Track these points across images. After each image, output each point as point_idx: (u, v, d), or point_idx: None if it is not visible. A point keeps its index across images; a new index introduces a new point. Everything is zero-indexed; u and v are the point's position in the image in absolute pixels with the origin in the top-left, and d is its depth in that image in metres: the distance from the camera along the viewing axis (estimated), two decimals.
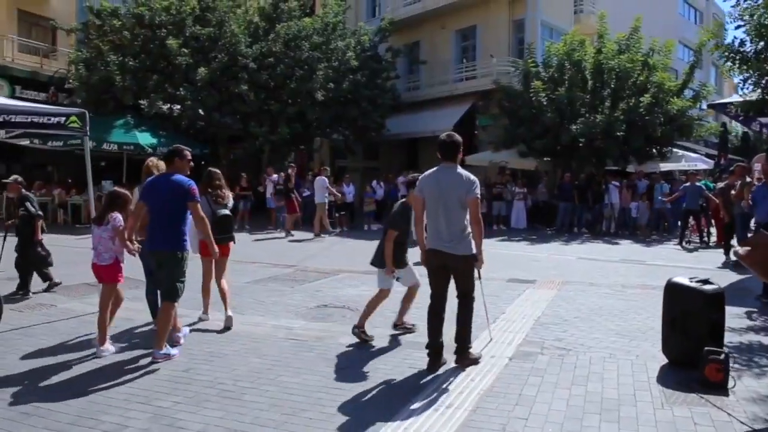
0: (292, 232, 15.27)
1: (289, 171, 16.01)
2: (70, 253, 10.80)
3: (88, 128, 7.12)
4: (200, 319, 6.43)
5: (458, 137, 4.81)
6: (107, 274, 5.31)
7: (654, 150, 17.60)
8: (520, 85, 18.48)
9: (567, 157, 17.80)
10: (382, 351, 5.37)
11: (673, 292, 5.02)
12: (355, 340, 5.63)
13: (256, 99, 18.72)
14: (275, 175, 16.96)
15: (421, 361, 4.92)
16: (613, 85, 17.12)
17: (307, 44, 19.41)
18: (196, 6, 18.81)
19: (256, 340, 5.69)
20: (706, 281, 4.93)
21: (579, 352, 5.28)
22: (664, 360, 4.98)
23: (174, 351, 5.13)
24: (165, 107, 18.33)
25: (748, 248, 4.42)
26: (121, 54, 18.12)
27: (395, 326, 5.99)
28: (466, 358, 4.81)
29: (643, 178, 16.97)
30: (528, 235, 15.61)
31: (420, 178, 4.86)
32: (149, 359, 5.00)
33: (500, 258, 11.31)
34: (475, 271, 4.80)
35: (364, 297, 7.42)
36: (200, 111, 18.54)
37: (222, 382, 4.52)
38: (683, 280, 5.01)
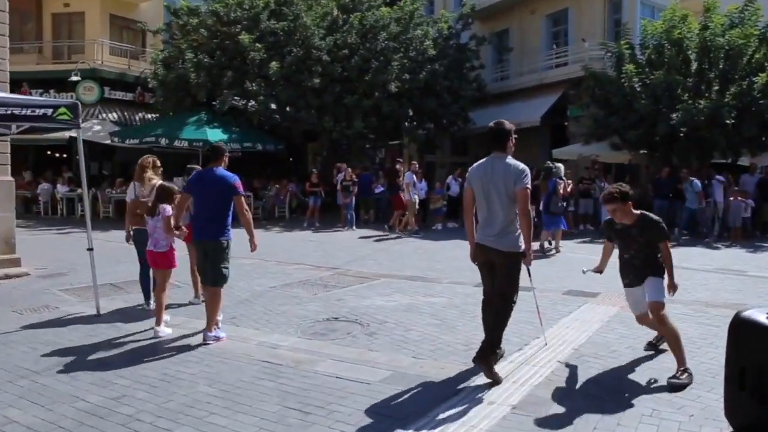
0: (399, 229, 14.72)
1: (397, 166, 15.46)
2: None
3: (80, 120, 6.71)
4: (191, 303, 6.88)
5: (508, 125, 4.55)
6: (162, 260, 5.93)
7: None
8: (613, 70, 16.54)
9: (666, 149, 15.71)
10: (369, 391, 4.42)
11: (743, 332, 3.49)
12: (333, 368, 4.74)
13: (330, 93, 18.25)
14: (342, 172, 16.31)
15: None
16: (721, 66, 14.82)
17: (384, 34, 18.64)
18: (271, 1, 18.60)
19: (226, 361, 4.96)
20: None
21: (615, 402, 4.03)
22: (728, 427, 3.59)
23: (222, 334, 5.56)
24: (239, 103, 18.31)
25: None
26: (198, 52, 18.29)
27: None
28: (489, 359, 4.41)
29: (756, 172, 14.59)
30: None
31: (470, 169, 4.65)
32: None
33: (570, 263, 9.91)
34: (524, 269, 4.55)
35: (386, 309, 6.58)
36: (273, 106, 18.35)
37: (140, 419, 3.78)
38: (761, 315, 3.46)
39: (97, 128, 19.16)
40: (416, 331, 5.81)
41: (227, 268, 5.56)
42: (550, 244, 11.95)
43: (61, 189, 18.52)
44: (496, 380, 4.33)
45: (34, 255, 10.04)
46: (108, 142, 18.26)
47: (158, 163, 6.79)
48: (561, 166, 13.24)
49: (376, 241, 13.39)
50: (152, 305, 6.34)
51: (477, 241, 4.55)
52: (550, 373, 4.59)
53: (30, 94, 20.08)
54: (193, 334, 5.69)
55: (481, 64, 20.96)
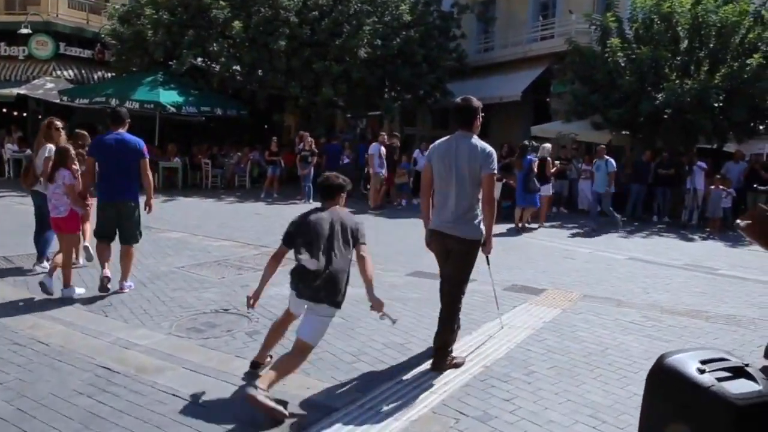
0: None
1: (394, 141, 14.65)
2: None
3: None
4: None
5: (476, 102, 4.17)
6: (65, 224, 5.83)
7: (761, 126, 14.07)
8: (598, 44, 15.43)
9: (649, 131, 14.72)
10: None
11: (665, 386, 2.51)
12: (179, 380, 3.82)
13: (298, 57, 17.09)
14: (305, 142, 15.20)
15: None
16: (712, 45, 13.76)
17: None
18: None
19: (57, 364, 4.05)
20: (739, 371, 2.41)
21: None
22: None
23: (132, 284, 6.00)
24: (201, 64, 17.15)
25: (749, 221, 4.49)
26: (158, 8, 17.04)
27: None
28: (444, 362, 4.12)
29: (742, 160, 13.65)
30: (587, 223, 12.92)
31: (431, 146, 4.32)
32: None
33: (525, 251, 8.99)
34: (484, 257, 4.27)
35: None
36: (236, 68, 17.19)
37: None
38: (691, 363, 2.41)
39: (50, 86, 17.96)
40: None
41: (139, 227, 5.96)
42: (529, 223, 11.56)
43: (9, 149, 17.39)
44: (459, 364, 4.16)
45: None
46: (57, 101, 17.07)
47: (57, 125, 6.49)
48: (548, 145, 12.31)
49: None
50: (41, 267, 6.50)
51: (432, 226, 4.20)
52: (439, 403, 3.66)
53: None
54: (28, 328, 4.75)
55: (462, 34, 19.77)
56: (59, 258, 5.80)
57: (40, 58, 18.61)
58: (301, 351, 3.62)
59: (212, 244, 8.72)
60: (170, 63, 16.81)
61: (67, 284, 5.71)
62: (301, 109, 18.03)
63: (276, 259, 3.95)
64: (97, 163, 5.78)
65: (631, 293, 6.57)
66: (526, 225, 11.50)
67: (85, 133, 7.29)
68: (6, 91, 17.38)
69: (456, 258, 4.11)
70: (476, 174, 4.00)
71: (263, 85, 17.59)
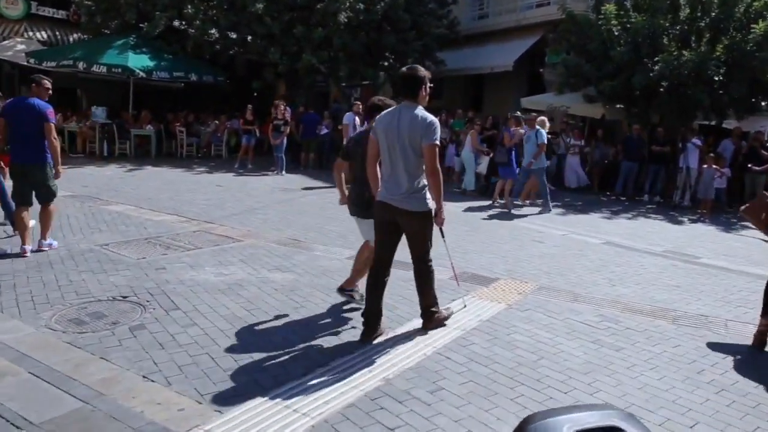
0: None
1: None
2: None
3: None
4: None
5: (422, 71, 4.07)
6: None
7: (763, 102, 13.17)
8: (593, 11, 14.46)
9: (644, 105, 13.83)
10: None
11: None
12: (9, 390, 3.18)
13: (279, 22, 16.20)
14: (278, 111, 14.39)
15: None
16: (714, 14, 12.79)
17: None
18: None
19: None
20: None
21: None
22: None
23: (55, 243, 6.26)
24: (178, 26, 16.30)
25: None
26: None
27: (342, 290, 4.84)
28: (431, 320, 4.37)
29: (740, 138, 12.81)
30: (572, 201, 12.19)
31: (377, 117, 4.17)
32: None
33: (491, 233, 8.29)
34: (437, 229, 4.23)
35: (203, 286, 5.11)
36: (213, 32, 16.33)
37: None
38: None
39: (20, 47, 17.15)
40: (201, 327, 4.24)
41: (53, 185, 6.12)
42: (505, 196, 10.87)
43: None
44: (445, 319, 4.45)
45: None
46: (25, 63, 16.28)
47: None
48: (544, 118, 11.49)
49: (292, 190, 11.63)
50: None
51: (380, 198, 4.10)
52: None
53: None
54: None
55: (454, 0, 18.76)
56: None
57: (11, 18, 17.79)
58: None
59: (153, 218, 8.07)
60: (141, 26, 15.93)
61: None
62: (281, 75, 17.16)
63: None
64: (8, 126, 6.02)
65: (594, 285, 5.88)
66: (499, 201, 10.92)
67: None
68: None
69: (412, 232, 4.13)
70: (418, 145, 3.91)
71: (241, 49, 16.74)
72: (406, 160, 3.95)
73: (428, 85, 4.06)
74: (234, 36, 16.57)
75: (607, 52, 13.39)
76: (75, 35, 18.90)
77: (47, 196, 6.10)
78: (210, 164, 15.23)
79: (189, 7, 15.64)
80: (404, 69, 4.14)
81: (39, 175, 5.99)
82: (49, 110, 5.99)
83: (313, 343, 4.08)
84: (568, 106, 15.05)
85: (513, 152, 10.92)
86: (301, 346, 4.01)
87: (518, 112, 12.37)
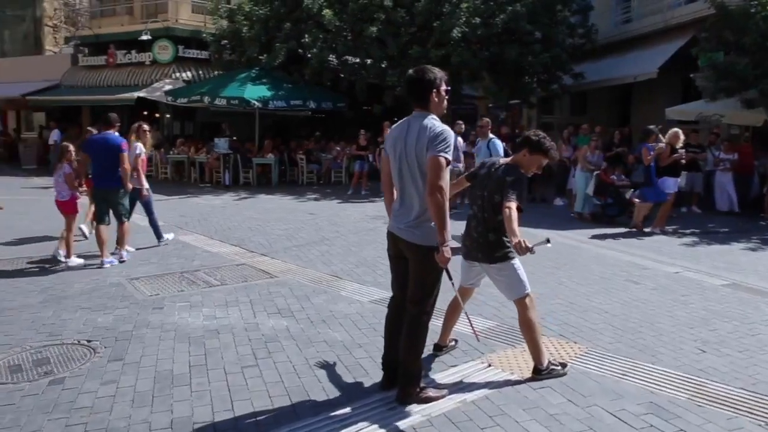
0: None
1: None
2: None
3: None
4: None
5: (431, 73, 3.35)
6: (65, 207, 7.03)
7: None
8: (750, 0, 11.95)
9: None
10: None
11: None
12: None
13: (395, 43, 15.84)
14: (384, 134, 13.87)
15: None
16: None
17: None
18: None
19: None
20: None
21: None
22: None
23: (115, 261, 6.96)
24: (301, 52, 16.64)
25: None
26: (255, 3, 16.88)
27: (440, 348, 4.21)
28: (408, 395, 3.40)
29: None
30: (716, 227, 9.94)
31: (389, 130, 3.68)
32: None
33: (575, 270, 6.78)
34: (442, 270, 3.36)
35: (182, 331, 4.60)
36: (331, 59, 16.41)
37: None
38: None
39: (167, 88, 18.72)
40: (120, 384, 3.63)
41: (125, 206, 7.12)
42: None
43: None
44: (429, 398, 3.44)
45: None
46: (164, 101, 17.71)
47: (145, 127, 8.03)
48: (677, 130, 9.85)
49: (381, 218, 10.87)
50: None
51: (388, 227, 3.54)
52: None
53: (115, 55, 20.36)
54: None
55: (587, 5, 16.92)
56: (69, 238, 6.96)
57: (163, 62, 19.51)
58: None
59: (211, 250, 7.84)
60: (259, 58, 16.49)
61: (68, 255, 6.90)
62: (398, 98, 16.68)
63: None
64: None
65: (674, 350, 4.32)
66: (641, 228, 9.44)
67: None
68: (127, 95, 18.44)
69: (412, 269, 3.39)
70: (423, 160, 3.23)
71: (358, 74, 16.60)
72: (414, 180, 3.31)
73: (444, 88, 3.39)
74: (351, 61, 16.48)
75: (765, 46, 10.92)
76: (215, 73, 20.27)
77: (120, 216, 7.07)
78: (326, 191, 15.13)
79: (305, 36, 15.84)
80: (411, 71, 3.50)
81: (114, 198, 6.98)
82: (123, 143, 7.03)
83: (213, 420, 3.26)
84: (722, 114, 12.57)
85: (653, 170, 9.34)
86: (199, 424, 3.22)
87: (653, 126, 10.53)
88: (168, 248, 7.93)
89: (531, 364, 3.83)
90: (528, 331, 3.76)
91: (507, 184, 3.69)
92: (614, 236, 9.15)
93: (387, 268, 6.54)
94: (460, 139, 11.70)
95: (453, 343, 4.26)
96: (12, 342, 4.43)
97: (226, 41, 18.01)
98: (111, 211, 7.06)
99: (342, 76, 16.90)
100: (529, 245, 3.43)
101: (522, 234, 3.53)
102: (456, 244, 3.62)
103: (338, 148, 17.32)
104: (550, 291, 5.91)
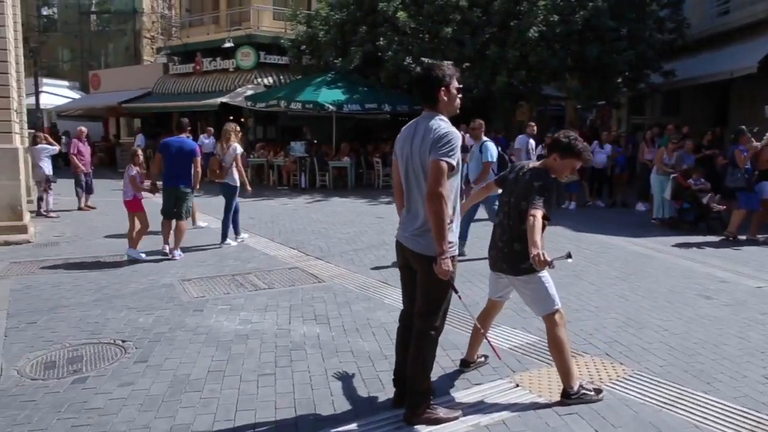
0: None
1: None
2: None
3: None
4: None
5: (440, 69, 3.12)
6: (131, 205, 7.63)
7: None
8: None
9: None
10: None
11: None
12: None
13: (472, 44, 15.51)
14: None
15: None
16: None
17: None
18: None
19: None
20: None
21: None
22: None
23: (182, 254, 7.60)
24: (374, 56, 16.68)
25: None
26: (331, 8, 17.09)
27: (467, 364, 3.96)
28: (416, 415, 3.19)
29: None
30: None
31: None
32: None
33: (641, 281, 6.22)
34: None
35: (212, 334, 4.65)
36: (408, 61, 16.29)
37: None
38: None
39: (249, 93, 19.33)
40: (135, 387, 3.66)
41: (188, 206, 7.68)
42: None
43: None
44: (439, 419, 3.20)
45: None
46: (244, 106, 18.29)
47: (238, 128, 8.71)
48: (743, 127, 9.12)
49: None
50: (235, 240, 8.47)
51: (396, 236, 3.35)
52: None
53: (202, 63, 21.31)
54: None
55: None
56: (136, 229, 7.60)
57: (245, 68, 20.20)
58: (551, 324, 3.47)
59: (269, 253, 7.93)
60: (335, 62, 16.65)
61: (133, 246, 7.52)
62: (476, 100, 16.28)
63: None
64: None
65: (734, 378, 3.81)
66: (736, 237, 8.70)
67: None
68: (212, 101, 19.23)
69: (418, 281, 3.19)
70: (426, 164, 3.03)
71: None
72: (419, 185, 3.13)
73: (455, 86, 3.15)
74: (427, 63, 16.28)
75: None
76: (294, 77, 20.71)
77: (181, 215, 7.56)
78: None
79: (380, 39, 15.83)
80: (419, 68, 3.16)
81: (182, 197, 7.52)
82: (196, 147, 7.68)
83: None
84: None
85: (749, 174, 8.60)
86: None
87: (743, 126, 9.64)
88: (229, 250, 8.10)
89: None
90: (557, 350, 3.43)
91: (534, 189, 3.38)
92: (699, 245, 8.41)
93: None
94: (531, 141, 11.25)
95: (482, 359, 3.98)
96: (55, 339, 4.61)
97: (304, 46, 18.40)
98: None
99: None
100: (549, 259, 3.11)
101: (545, 245, 3.22)
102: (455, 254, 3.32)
103: None
104: (606, 305, 5.45)
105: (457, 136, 3.00)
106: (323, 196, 14.52)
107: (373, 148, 17.74)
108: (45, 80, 28.55)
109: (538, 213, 3.27)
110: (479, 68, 15.61)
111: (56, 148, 11.65)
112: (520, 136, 11.56)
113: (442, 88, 3.09)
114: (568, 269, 6.81)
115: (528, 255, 3.42)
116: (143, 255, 7.46)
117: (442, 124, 3.05)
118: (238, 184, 8.31)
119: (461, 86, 3.20)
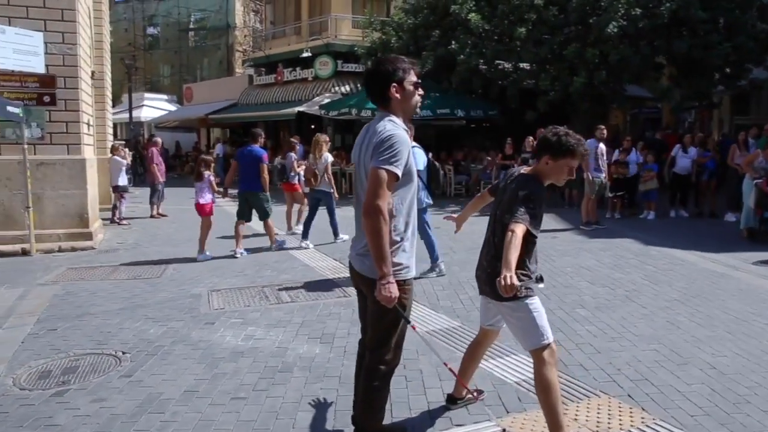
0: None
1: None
2: None
3: None
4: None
5: (389, 64, 2.73)
6: (202, 209, 8.16)
7: None
8: None
9: None
10: None
11: None
12: None
13: (547, 44, 14.77)
14: (526, 143, 12.96)
15: None
16: None
17: None
18: None
19: None
20: None
21: None
22: None
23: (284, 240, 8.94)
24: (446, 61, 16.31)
25: None
26: (405, 12, 16.91)
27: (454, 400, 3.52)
28: None
29: None
30: None
31: None
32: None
33: (703, 307, 5.43)
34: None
35: (212, 349, 4.44)
36: (480, 64, 15.76)
37: None
38: None
39: (325, 101, 19.54)
40: (107, 405, 3.55)
41: (267, 206, 8.26)
42: None
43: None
44: None
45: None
46: (318, 114, 18.46)
47: (328, 139, 9.38)
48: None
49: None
50: (307, 244, 8.87)
51: (349, 255, 3.01)
52: None
53: (283, 73, 21.81)
54: None
55: None
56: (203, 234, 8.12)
57: (323, 77, 20.44)
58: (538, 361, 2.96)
59: (309, 263, 7.79)
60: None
61: (201, 251, 8.06)
62: (554, 104, 15.44)
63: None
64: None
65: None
66: None
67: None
68: (290, 110, 19.60)
69: (368, 307, 2.82)
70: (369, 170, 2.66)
71: (510, 79, 15.72)
72: (363, 194, 2.75)
73: (411, 80, 2.72)
74: (501, 65, 15.67)
75: None
76: None
77: (264, 215, 8.28)
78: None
79: (452, 42, 15.42)
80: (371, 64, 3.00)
81: (256, 200, 8.19)
82: (264, 155, 8.22)
83: None
84: None
85: None
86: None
87: None
88: (270, 258, 8.06)
89: None
90: (543, 393, 2.93)
91: (518, 200, 2.92)
92: None
93: (474, 295, 5.90)
94: (601, 145, 10.40)
95: (473, 395, 3.52)
96: (63, 348, 4.65)
97: (378, 53, 18.32)
98: (251, 211, 8.35)
99: (491, 82, 16.13)
100: (517, 284, 2.65)
101: (520, 267, 2.76)
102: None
103: (488, 158, 16.57)
104: (651, 333, 4.77)
105: (402, 140, 2.59)
106: None
107: (446, 155, 17.31)
108: (146, 94, 30.58)
109: (519, 228, 2.80)
110: (556, 69, 14.81)
111: (125, 162, 12.20)
112: (588, 140, 10.69)
113: (393, 85, 2.69)
114: (618, 288, 6.13)
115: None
116: (209, 254, 8.08)
117: (387, 126, 2.65)
118: (332, 190, 9.08)
119: (419, 81, 2.77)
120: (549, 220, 11.33)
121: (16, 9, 8.63)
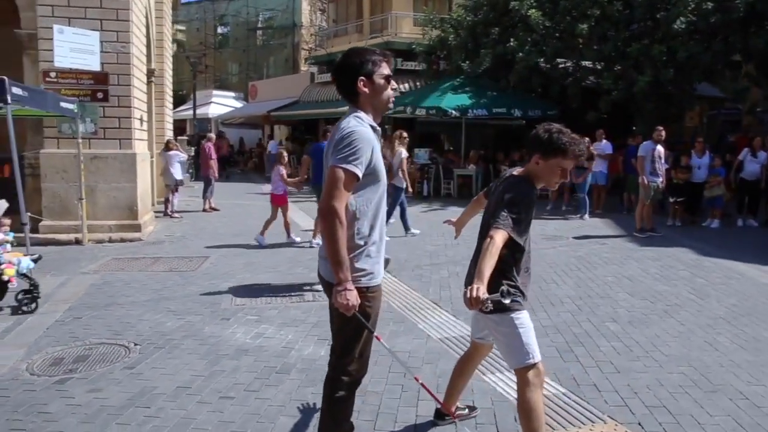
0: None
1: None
2: None
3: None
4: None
5: (355, 56, 2.58)
6: (276, 199, 8.89)
7: None
8: None
9: None
10: None
11: None
12: None
13: (611, 42, 14.12)
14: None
15: None
16: None
17: None
18: None
19: None
20: None
21: None
22: None
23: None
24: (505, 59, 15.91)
25: None
26: (464, 10, 16.61)
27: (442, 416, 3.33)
28: None
29: None
30: None
31: None
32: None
33: (738, 325, 4.97)
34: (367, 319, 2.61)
35: (219, 345, 4.46)
36: (540, 62, 15.24)
37: None
38: None
39: None
40: (101, 395, 3.58)
41: None
42: None
43: None
44: None
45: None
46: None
47: (404, 135, 9.59)
48: None
49: (559, 239, 9.56)
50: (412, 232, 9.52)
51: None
52: None
53: None
54: None
55: None
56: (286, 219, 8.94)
57: None
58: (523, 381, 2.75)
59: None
60: (463, 65, 16.08)
61: (288, 234, 8.98)
62: (617, 104, 14.72)
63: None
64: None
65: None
66: None
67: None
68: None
69: (332, 316, 2.64)
70: None
71: (570, 78, 15.13)
72: None
73: (381, 73, 2.55)
74: (562, 64, 15.12)
75: None
76: (434, 83, 20.47)
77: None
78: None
79: (511, 40, 14.99)
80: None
81: None
82: None
83: None
84: None
85: None
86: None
87: None
88: (306, 255, 8.04)
89: None
90: (526, 417, 2.70)
91: (503, 203, 2.71)
92: None
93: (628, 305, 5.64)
94: (659, 147, 9.79)
95: (464, 411, 3.32)
96: (81, 336, 4.78)
97: (436, 51, 18.10)
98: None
99: (551, 81, 15.58)
100: (483, 298, 2.43)
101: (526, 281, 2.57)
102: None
103: None
104: (683, 354, 4.38)
105: (364, 137, 2.42)
106: (441, 205, 14.05)
107: (503, 156, 16.86)
108: (215, 92, 31.55)
109: (498, 235, 2.58)
110: (620, 67, 14.12)
111: (185, 156, 12.55)
112: (645, 142, 10.09)
113: (361, 78, 2.53)
114: (659, 302, 5.72)
115: (498, 288, 2.75)
116: (264, 240, 8.80)
117: (351, 122, 2.48)
118: (404, 185, 9.26)
119: (390, 74, 2.59)
120: (601, 226, 10.83)
121: (75, 10, 9.02)
